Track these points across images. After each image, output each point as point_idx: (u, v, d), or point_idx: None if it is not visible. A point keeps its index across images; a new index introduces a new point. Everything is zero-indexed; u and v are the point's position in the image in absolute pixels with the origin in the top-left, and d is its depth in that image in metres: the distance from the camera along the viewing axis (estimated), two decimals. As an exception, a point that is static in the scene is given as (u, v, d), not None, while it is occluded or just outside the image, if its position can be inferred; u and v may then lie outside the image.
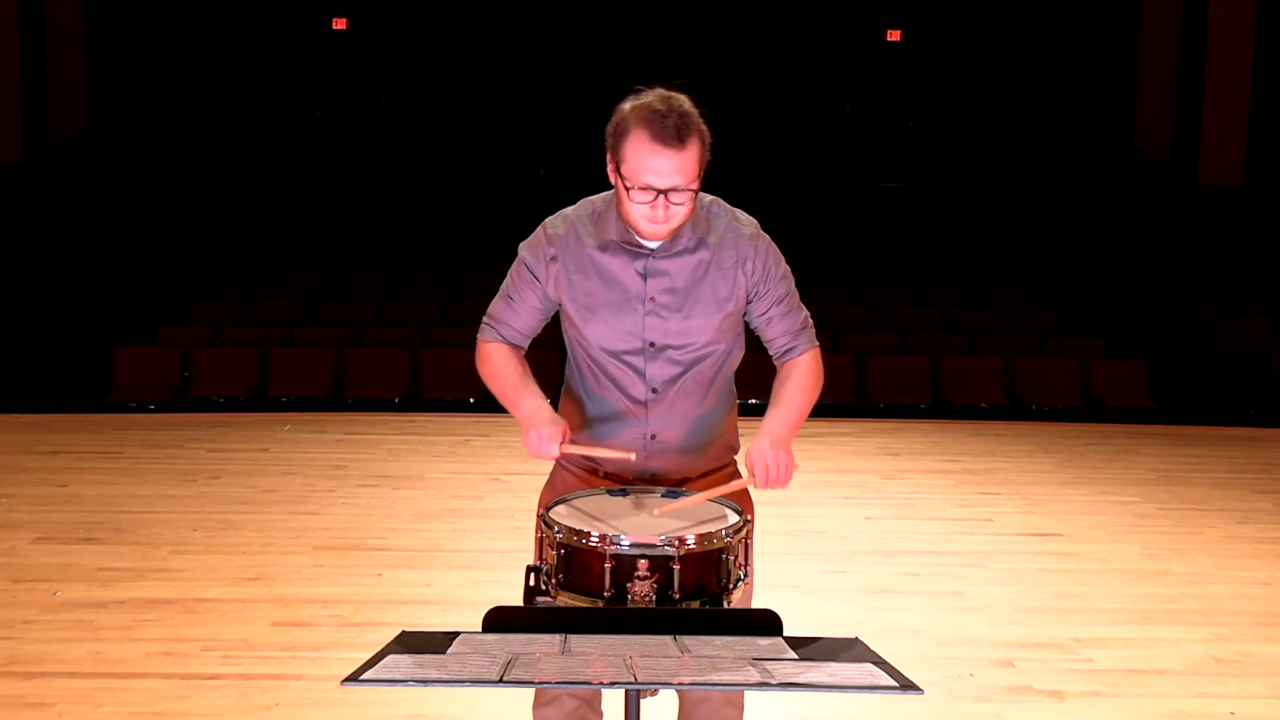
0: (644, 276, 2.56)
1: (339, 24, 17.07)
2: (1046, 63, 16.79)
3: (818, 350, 2.70)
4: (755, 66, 17.00)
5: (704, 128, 2.46)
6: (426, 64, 16.98)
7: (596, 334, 2.59)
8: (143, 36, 16.25)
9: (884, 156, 16.70)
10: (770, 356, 2.72)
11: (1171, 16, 15.56)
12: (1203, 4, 14.63)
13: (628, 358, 2.59)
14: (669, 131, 2.39)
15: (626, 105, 2.47)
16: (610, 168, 2.50)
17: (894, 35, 17.26)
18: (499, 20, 16.90)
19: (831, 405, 9.29)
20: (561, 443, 2.49)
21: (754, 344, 2.73)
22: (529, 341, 2.72)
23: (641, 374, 2.59)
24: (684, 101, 2.46)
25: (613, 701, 2.74)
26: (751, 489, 2.57)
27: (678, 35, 16.74)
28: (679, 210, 2.47)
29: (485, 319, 2.71)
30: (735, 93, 16.57)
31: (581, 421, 2.68)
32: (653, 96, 2.46)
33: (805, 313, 2.70)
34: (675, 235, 2.54)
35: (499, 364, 2.66)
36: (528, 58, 16.83)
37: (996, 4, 16.96)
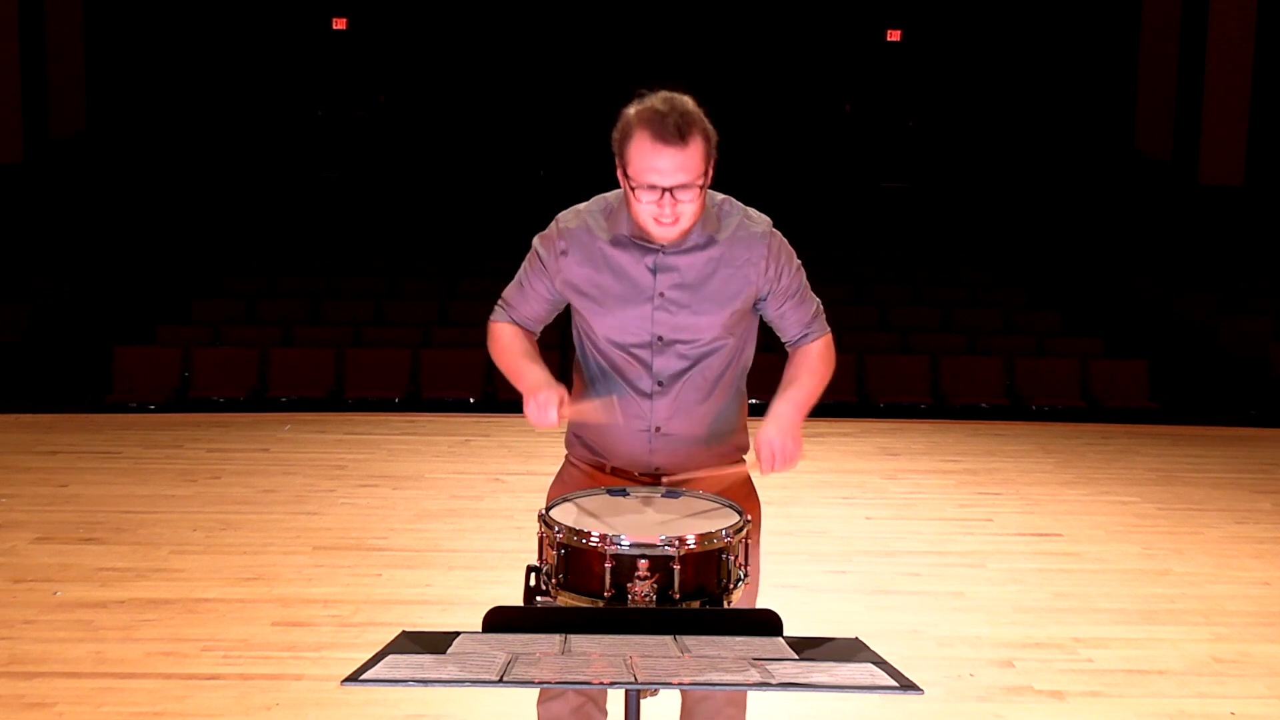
0: (654, 272, 2.58)
1: (339, 24, 17.06)
2: (1046, 63, 16.79)
3: (830, 336, 2.76)
4: (755, 66, 16.99)
5: (708, 126, 2.49)
6: (426, 64, 16.97)
7: (605, 326, 2.61)
8: (143, 36, 16.24)
9: (884, 156, 16.69)
10: (780, 350, 2.77)
11: (1171, 16, 15.56)
12: (1203, 4, 14.63)
13: (635, 350, 2.61)
14: (670, 130, 2.42)
15: (631, 109, 2.50)
16: (619, 172, 2.53)
17: (894, 35, 17.25)
18: (499, 20, 16.90)
19: (831, 405, 9.29)
20: (560, 407, 2.52)
21: (763, 347, 2.75)
22: (539, 328, 2.78)
23: (648, 367, 2.61)
24: (687, 101, 2.49)
25: (616, 699, 2.74)
26: (758, 477, 2.59)
27: (677, 35, 16.74)
28: (686, 209, 2.49)
29: (499, 302, 2.78)
30: (735, 93, 16.56)
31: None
32: (655, 99, 2.49)
33: (817, 302, 2.75)
34: (686, 232, 2.56)
35: (506, 342, 2.73)
36: (528, 58, 16.82)
37: (996, 4, 16.96)
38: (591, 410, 2.61)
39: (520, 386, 2.61)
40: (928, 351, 10.20)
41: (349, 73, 17.04)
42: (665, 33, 16.69)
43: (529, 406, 2.54)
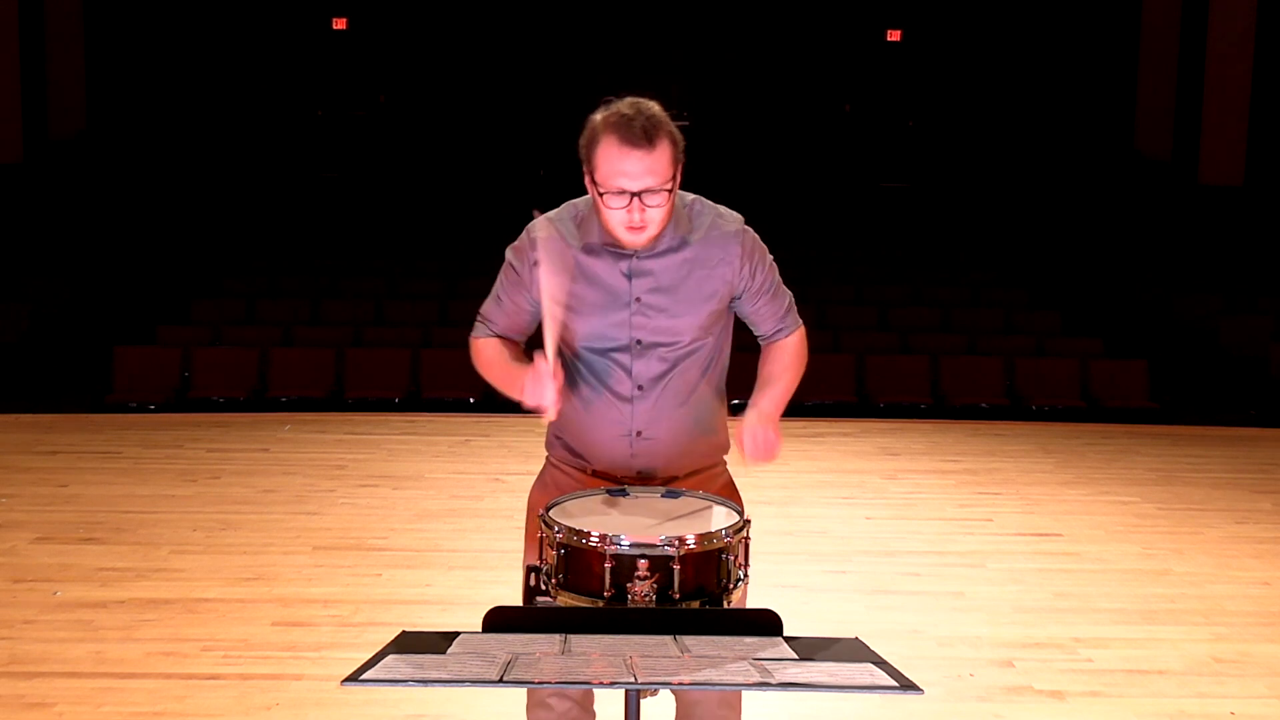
0: (629, 277, 2.57)
1: (339, 24, 17.08)
2: (1046, 63, 16.79)
3: (803, 330, 2.78)
4: (755, 66, 17.00)
5: (674, 130, 2.49)
6: (426, 64, 16.98)
7: (583, 334, 2.60)
8: (143, 36, 16.25)
9: (884, 156, 16.70)
10: (754, 343, 2.78)
11: (1171, 16, 15.56)
12: (1203, 4, 14.63)
13: (614, 355, 2.60)
14: (637, 133, 2.42)
15: (597, 116, 2.50)
16: (587, 179, 2.51)
17: (894, 35, 17.26)
18: (499, 21, 16.90)
19: (832, 405, 9.29)
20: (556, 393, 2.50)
21: (740, 346, 2.75)
22: (524, 337, 2.75)
23: (628, 371, 2.60)
24: (653, 106, 2.49)
25: (607, 703, 2.74)
26: (743, 473, 2.59)
27: (677, 35, 16.75)
28: (655, 213, 2.48)
29: (478, 317, 2.76)
30: (736, 93, 16.58)
31: (568, 418, 2.68)
32: (621, 104, 2.49)
33: (789, 295, 2.76)
34: (657, 237, 2.55)
35: (492, 354, 2.70)
36: (528, 58, 16.83)
37: (996, 4, 16.96)
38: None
39: (517, 388, 2.57)
40: (928, 351, 10.20)
41: (349, 73, 17.05)
42: (665, 33, 16.70)
43: (526, 393, 2.50)
